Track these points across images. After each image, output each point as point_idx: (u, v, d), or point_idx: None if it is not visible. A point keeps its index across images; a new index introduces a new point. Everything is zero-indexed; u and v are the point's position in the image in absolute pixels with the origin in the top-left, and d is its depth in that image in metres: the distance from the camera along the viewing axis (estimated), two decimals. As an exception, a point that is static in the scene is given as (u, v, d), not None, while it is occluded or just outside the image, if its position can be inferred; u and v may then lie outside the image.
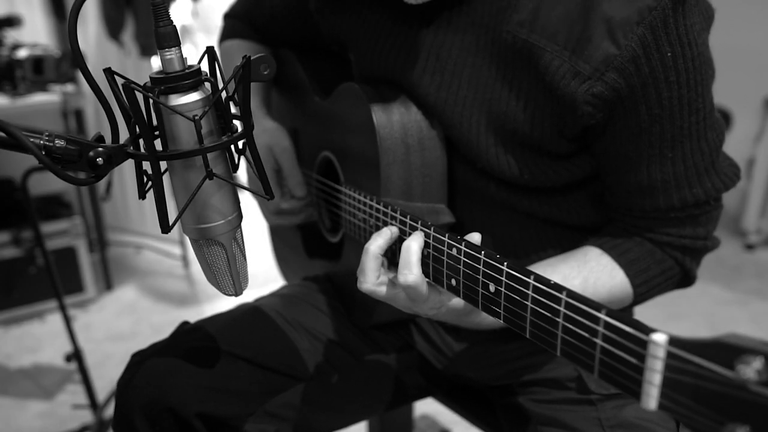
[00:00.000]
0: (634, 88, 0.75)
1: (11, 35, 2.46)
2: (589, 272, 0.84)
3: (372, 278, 0.78)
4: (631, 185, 0.83)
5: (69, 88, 2.36)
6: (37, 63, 2.29)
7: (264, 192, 0.73)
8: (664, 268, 0.86)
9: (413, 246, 0.75)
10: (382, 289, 0.79)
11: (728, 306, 2.50)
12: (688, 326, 2.37)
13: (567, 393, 0.91)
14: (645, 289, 0.86)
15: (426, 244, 0.77)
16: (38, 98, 2.34)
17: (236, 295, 0.76)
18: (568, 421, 0.88)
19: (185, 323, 0.99)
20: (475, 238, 0.73)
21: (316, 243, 1.19)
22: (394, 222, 0.83)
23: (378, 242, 0.79)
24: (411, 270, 0.74)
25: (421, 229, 0.78)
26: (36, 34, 2.81)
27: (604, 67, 0.75)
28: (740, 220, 3.09)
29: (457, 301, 0.77)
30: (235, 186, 0.72)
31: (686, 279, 0.89)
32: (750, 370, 0.42)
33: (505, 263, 0.65)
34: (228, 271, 0.74)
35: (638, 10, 0.73)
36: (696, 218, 0.84)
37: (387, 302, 0.80)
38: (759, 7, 2.87)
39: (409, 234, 0.80)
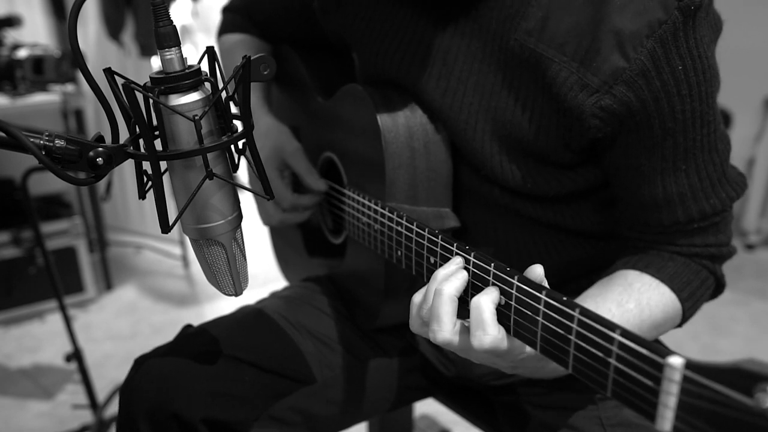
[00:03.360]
0: (645, 102, 0.74)
1: (11, 35, 2.46)
2: (639, 294, 0.80)
3: (449, 326, 0.67)
4: (646, 199, 0.82)
5: (69, 88, 2.36)
6: (37, 63, 2.29)
7: (264, 192, 0.73)
8: (702, 278, 0.84)
9: (483, 302, 0.65)
10: (461, 339, 0.68)
11: (728, 306, 2.50)
12: (687, 326, 2.35)
13: (568, 392, 0.91)
14: (692, 302, 0.83)
15: (433, 252, 0.76)
16: (38, 98, 2.34)
17: (236, 295, 0.76)
18: (568, 420, 0.88)
19: (188, 326, 0.99)
20: (537, 271, 0.66)
21: (318, 244, 1.19)
22: (399, 227, 0.83)
23: (455, 285, 0.68)
24: (486, 330, 0.65)
25: (430, 237, 0.76)
26: (36, 34, 2.81)
27: (612, 81, 0.74)
28: (740, 220, 3.09)
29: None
30: (235, 186, 0.72)
31: (719, 287, 0.88)
32: (766, 397, 0.41)
33: (516, 277, 0.64)
34: (228, 271, 0.74)
35: (648, 24, 0.72)
36: (716, 225, 0.83)
37: (462, 355, 0.70)
38: (759, 8, 2.87)
39: (416, 241, 0.79)
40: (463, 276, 0.69)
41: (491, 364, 0.72)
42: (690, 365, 0.47)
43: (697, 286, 0.84)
